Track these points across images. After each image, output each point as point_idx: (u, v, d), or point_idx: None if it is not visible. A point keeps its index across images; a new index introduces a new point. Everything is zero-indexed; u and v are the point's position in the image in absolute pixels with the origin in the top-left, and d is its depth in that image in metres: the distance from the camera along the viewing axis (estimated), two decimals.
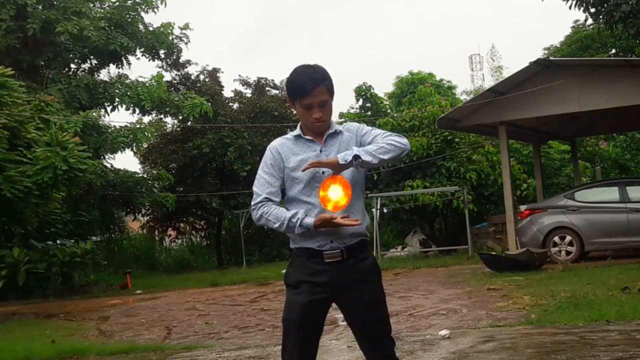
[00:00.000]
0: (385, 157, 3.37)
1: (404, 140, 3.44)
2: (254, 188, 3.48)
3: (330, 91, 3.46)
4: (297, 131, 3.54)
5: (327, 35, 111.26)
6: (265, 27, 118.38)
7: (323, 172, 3.39)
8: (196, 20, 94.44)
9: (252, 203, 3.46)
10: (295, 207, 3.43)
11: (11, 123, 13.90)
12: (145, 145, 24.39)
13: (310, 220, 3.33)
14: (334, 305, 3.50)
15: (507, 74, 29.51)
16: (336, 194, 3.34)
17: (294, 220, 3.34)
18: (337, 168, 3.34)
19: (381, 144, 3.39)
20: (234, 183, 25.81)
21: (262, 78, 27.78)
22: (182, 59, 25.54)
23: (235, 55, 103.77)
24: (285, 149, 3.50)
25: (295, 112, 3.58)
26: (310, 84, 3.38)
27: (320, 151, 3.46)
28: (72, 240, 21.06)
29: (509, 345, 6.73)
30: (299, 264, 3.46)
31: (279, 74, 34.36)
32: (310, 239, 3.40)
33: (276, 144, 3.55)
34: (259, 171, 3.52)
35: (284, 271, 3.60)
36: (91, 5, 22.49)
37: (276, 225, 3.38)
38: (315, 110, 3.41)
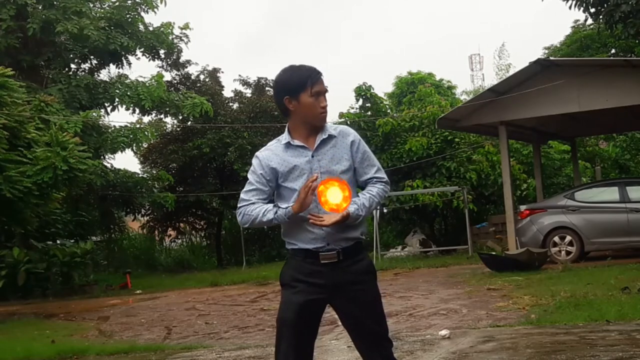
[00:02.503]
0: (372, 209, 3.50)
1: (388, 189, 3.57)
2: (242, 195, 3.44)
3: None
4: (286, 138, 3.44)
5: (326, 35, 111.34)
6: (265, 28, 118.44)
7: (315, 179, 3.31)
8: (200, 20, 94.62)
9: (238, 206, 3.45)
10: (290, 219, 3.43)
11: (11, 123, 13.90)
12: (145, 145, 24.40)
13: (286, 207, 3.34)
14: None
15: (512, 71, 29.50)
16: (335, 196, 3.32)
17: (279, 211, 3.34)
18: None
19: (375, 195, 3.46)
20: (234, 183, 25.79)
21: (262, 78, 27.80)
22: (182, 59, 25.57)
23: (238, 56, 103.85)
24: (275, 161, 3.43)
25: (293, 109, 3.41)
26: (316, 72, 3.41)
27: (312, 156, 3.41)
28: (72, 240, 21.05)
29: (509, 345, 6.73)
30: (295, 264, 3.43)
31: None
32: (307, 241, 3.38)
33: (264, 156, 3.45)
34: (250, 179, 3.47)
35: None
36: (91, 5, 22.50)
37: (254, 215, 3.39)
38: (323, 98, 3.40)
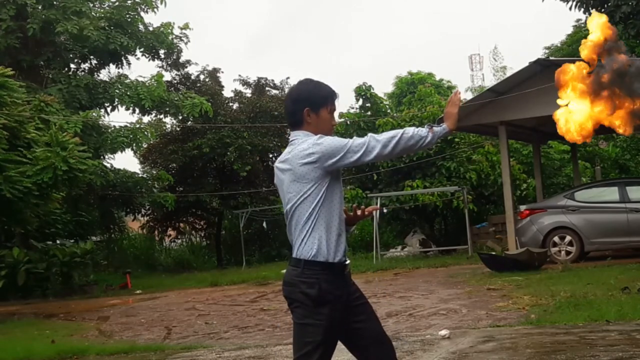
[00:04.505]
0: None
1: None
2: (355, 141, 3.36)
3: None
4: None
5: (327, 36, 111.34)
6: (267, 29, 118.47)
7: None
8: (203, 21, 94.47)
9: (369, 137, 3.37)
10: (332, 223, 3.37)
11: (11, 123, 13.91)
12: (145, 145, 24.40)
13: (441, 126, 3.40)
14: None
15: (509, 74, 29.52)
16: None
17: (436, 129, 3.37)
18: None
19: None
20: (234, 183, 25.81)
21: (262, 78, 27.77)
22: (182, 59, 25.57)
23: (239, 56, 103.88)
24: None
25: (310, 122, 3.47)
26: (335, 92, 3.58)
27: None
28: (72, 240, 21.06)
29: (509, 345, 6.73)
30: (330, 278, 3.36)
31: (281, 74, 34.40)
32: (342, 253, 3.39)
33: None
34: (345, 140, 3.40)
35: (307, 282, 3.38)
36: (91, 5, 22.50)
37: (409, 138, 3.34)
38: (334, 116, 3.59)
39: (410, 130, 3.35)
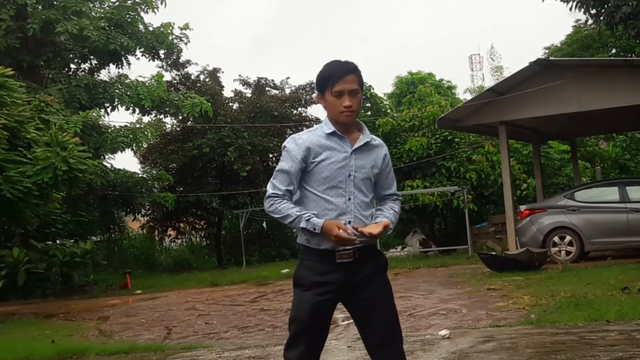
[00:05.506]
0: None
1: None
2: (274, 181, 3.39)
3: (360, 83, 3.44)
4: (330, 128, 3.43)
5: (327, 36, 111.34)
6: (268, 30, 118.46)
7: (349, 175, 3.39)
8: (205, 21, 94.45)
9: (271, 192, 3.38)
10: (314, 204, 3.38)
11: (11, 123, 13.90)
12: (145, 145, 24.40)
13: (319, 221, 3.29)
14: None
15: (507, 74, 29.50)
16: None
17: (304, 216, 3.31)
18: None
19: (398, 212, 3.65)
20: (234, 183, 25.81)
21: (262, 78, 27.78)
22: (182, 59, 25.57)
23: (239, 57, 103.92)
24: (315, 147, 3.40)
25: (324, 106, 3.45)
26: (342, 70, 3.39)
27: (351, 154, 3.42)
28: (72, 240, 21.07)
29: (509, 345, 6.73)
30: (310, 264, 3.39)
31: (282, 74, 34.41)
32: (323, 240, 3.34)
33: (305, 140, 3.41)
34: (283, 164, 3.40)
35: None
36: (91, 5, 22.51)
37: (281, 216, 3.37)
38: (346, 97, 3.37)
39: (291, 217, 3.34)
